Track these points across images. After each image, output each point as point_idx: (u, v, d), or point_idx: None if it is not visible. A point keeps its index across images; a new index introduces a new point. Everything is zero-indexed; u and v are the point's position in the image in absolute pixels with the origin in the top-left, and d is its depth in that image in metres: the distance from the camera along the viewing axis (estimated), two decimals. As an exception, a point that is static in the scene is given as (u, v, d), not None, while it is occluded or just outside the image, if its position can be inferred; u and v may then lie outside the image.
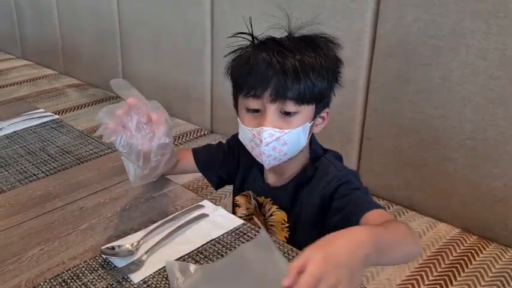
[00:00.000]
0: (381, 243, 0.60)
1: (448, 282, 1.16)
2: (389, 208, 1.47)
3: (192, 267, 0.74)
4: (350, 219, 0.78)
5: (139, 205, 0.95)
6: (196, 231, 0.85)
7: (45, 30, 2.87)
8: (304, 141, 0.88)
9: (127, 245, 0.80)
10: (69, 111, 2.16)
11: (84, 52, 2.62)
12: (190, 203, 0.94)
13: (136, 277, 0.74)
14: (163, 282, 0.73)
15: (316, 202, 0.88)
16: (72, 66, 2.76)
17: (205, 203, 0.94)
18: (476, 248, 1.29)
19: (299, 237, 0.92)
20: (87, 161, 1.13)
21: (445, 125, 1.36)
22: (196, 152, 1.06)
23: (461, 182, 1.37)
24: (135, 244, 0.80)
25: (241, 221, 0.88)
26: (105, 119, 0.75)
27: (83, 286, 0.73)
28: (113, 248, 0.80)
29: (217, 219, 0.89)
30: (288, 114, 0.84)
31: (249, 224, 0.88)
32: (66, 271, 0.76)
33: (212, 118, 2.06)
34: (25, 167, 1.10)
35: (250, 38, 0.89)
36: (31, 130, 1.30)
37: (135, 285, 0.73)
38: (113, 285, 0.73)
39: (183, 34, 2.03)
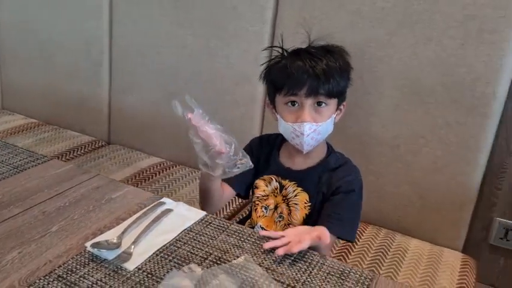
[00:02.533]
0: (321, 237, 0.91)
1: (345, 260, 1.41)
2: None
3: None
4: (323, 214, 1.09)
5: (102, 206, 1.00)
6: (169, 223, 0.95)
7: None
8: (331, 129, 1.11)
9: (113, 239, 0.86)
10: None
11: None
12: (151, 201, 1.03)
13: (130, 265, 0.82)
14: (156, 267, 0.82)
15: (332, 188, 1.10)
16: None
17: (165, 200, 1.03)
18: (359, 230, 1.57)
19: (315, 215, 1.13)
20: (25, 169, 1.13)
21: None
22: (226, 180, 1.15)
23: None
24: (116, 238, 0.87)
25: (204, 213, 1.00)
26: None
27: (81, 279, 0.78)
28: (97, 243, 0.85)
29: (183, 212, 0.99)
30: (320, 104, 1.06)
31: (210, 215, 1.00)
32: (58, 268, 0.80)
33: (110, 129, 2.08)
34: (-43, 179, 1.06)
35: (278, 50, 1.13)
36: None
37: (132, 272, 0.81)
38: (111, 275, 0.80)
39: (79, 45, 2.01)
